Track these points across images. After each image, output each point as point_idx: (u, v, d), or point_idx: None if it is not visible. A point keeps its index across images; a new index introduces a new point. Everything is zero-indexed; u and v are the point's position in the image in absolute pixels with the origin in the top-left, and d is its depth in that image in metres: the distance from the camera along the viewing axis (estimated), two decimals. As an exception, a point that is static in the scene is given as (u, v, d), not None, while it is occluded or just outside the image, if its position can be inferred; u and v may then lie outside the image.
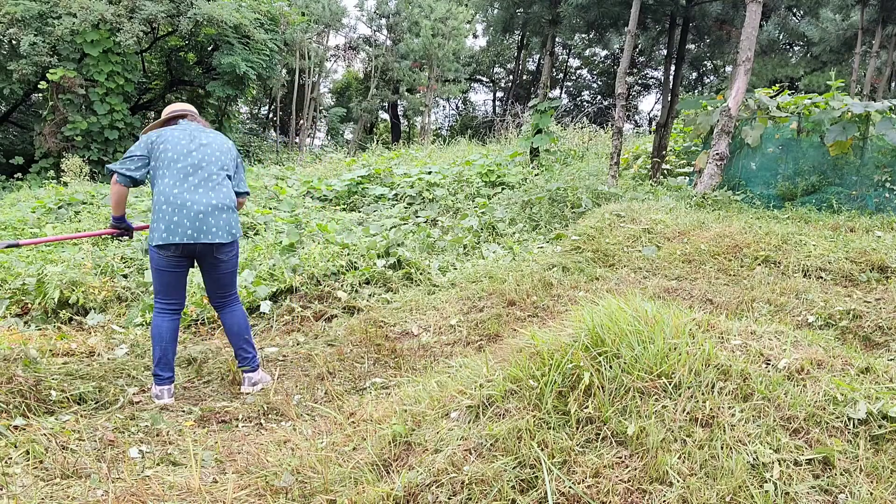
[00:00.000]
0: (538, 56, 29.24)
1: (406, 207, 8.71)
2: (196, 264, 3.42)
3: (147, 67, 19.60)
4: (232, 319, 3.53)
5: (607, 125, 17.97)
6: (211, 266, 3.40)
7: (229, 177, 3.45)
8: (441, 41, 24.67)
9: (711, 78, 25.25)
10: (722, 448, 1.98)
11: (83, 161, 14.51)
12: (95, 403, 3.14)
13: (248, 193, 3.62)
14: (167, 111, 3.59)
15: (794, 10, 17.47)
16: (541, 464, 1.99)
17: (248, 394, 3.42)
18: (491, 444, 2.10)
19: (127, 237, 3.76)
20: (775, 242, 5.49)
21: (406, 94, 27.36)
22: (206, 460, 2.53)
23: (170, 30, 18.19)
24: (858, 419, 2.06)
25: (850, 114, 7.45)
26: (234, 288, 3.57)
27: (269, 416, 3.11)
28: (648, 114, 32.23)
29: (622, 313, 2.44)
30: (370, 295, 4.98)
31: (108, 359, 3.82)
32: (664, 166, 10.18)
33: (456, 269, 5.66)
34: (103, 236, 5.67)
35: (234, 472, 2.42)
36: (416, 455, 2.18)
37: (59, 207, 8.55)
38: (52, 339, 4.05)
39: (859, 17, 13.20)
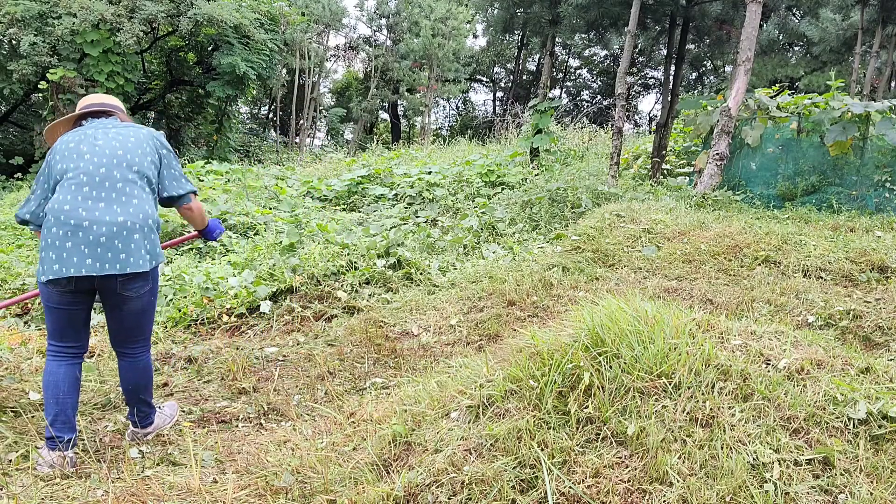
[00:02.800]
0: (538, 56, 29.23)
1: (406, 207, 8.71)
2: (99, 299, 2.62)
3: (147, 67, 19.60)
4: (130, 373, 2.71)
5: (607, 125, 17.97)
6: (115, 304, 2.59)
7: (149, 181, 2.65)
8: (441, 41, 24.66)
9: (711, 78, 25.25)
10: (722, 448, 1.98)
11: (83, 161, 14.49)
12: (96, 403, 3.14)
13: (193, 193, 2.81)
14: (80, 106, 2.80)
15: (794, 10, 17.46)
16: (541, 464, 1.99)
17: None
18: (491, 444, 2.10)
19: None
20: (775, 242, 5.49)
21: (406, 94, 27.36)
22: (206, 460, 2.53)
23: (170, 30, 18.18)
24: (858, 419, 2.06)
25: (850, 114, 7.45)
26: (146, 333, 2.73)
27: (269, 416, 3.11)
28: (648, 114, 32.24)
29: (622, 313, 2.44)
30: (370, 295, 4.98)
31: (109, 358, 3.82)
32: (664, 166, 10.18)
33: (456, 269, 5.66)
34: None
35: (234, 472, 2.42)
36: (416, 455, 2.18)
37: (59, 207, 8.54)
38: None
39: (859, 17, 13.19)
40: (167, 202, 2.76)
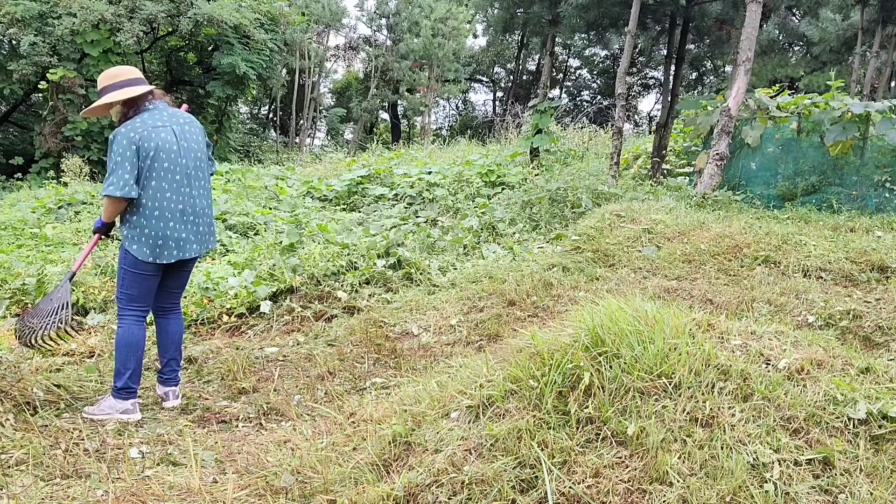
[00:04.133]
0: (538, 56, 29.24)
1: (406, 207, 8.71)
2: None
3: (147, 67, 19.59)
4: (177, 325, 3.31)
5: (607, 125, 17.96)
6: (188, 272, 3.30)
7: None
8: (441, 41, 24.67)
9: (711, 78, 25.25)
10: (722, 448, 1.98)
11: (83, 161, 14.49)
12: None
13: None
14: (114, 77, 2.99)
15: (794, 10, 17.46)
16: (541, 464, 1.99)
17: (162, 399, 3.20)
18: (491, 444, 2.10)
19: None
20: (775, 242, 5.49)
21: (406, 94, 27.36)
22: (206, 460, 2.53)
23: (170, 30, 18.19)
24: (858, 419, 2.06)
25: (850, 114, 7.45)
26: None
27: (269, 416, 3.11)
28: (648, 114, 32.22)
29: (622, 313, 2.44)
30: (370, 295, 4.98)
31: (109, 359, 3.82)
32: (664, 166, 10.18)
33: (456, 269, 5.66)
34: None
35: (234, 472, 2.42)
36: (416, 455, 2.18)
37: (59, 207, 8.55)
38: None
39: (859, 17, 13.20)
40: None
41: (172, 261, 3.05)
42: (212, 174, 3.31)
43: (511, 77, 32.48)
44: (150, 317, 3.36)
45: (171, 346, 3.26)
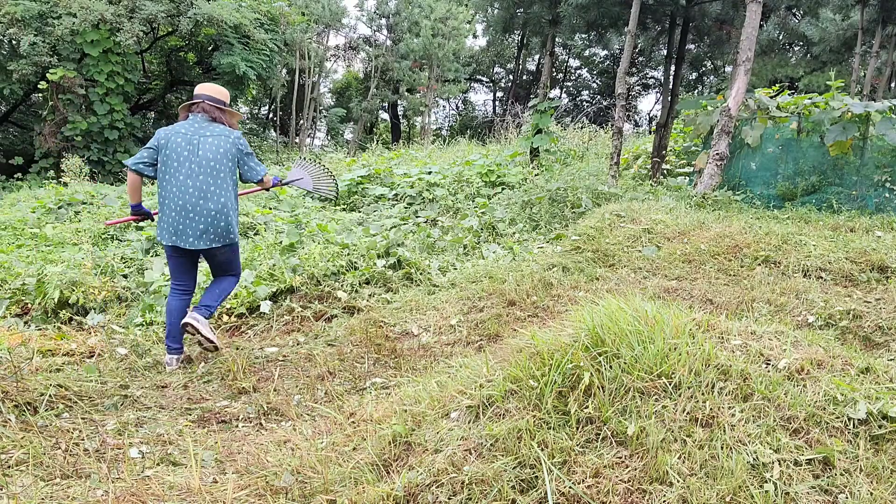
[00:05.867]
0: (538, 56, 29.25)
1: (406, 207, 8.71)
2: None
3: (147, 67, 19.60)
4: (219, 283, 3.92)
5: (607, 125, 17.96)
6: (210, 258, 3.83)
7: (233, 172, 3.73)
8: (441, 41, 24.67)
9: (711, 78, 25.25)
10: (722, 448, 1.98)
11: (83, 161, 14.51)
12: (94, 404, 3.14)
13: (265, 173, 3.86)
14: (200, 90, 3.83)
15: (794, 10, 17.46)
16: (541, 464, 1.99)
17: (185, 324, 3.65)
18: (491, 444, 2.10)
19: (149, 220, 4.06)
20: (775, 242, 5.49)
21: (406, 94, 27.36)
22: (206, 460, 2.53)
23: (170, 30, 18.19)
24: (858, 419, 2.06)
25: (850, 114, 7.45)
26: (235, 268, 3.95)
27: (269, 416, 3.11)
28: (648, 114, 32.24)
29: (622, 313, 2.44)
30: (370, 295, 4.98)
31: (109, 358, 3.82)
32: (664, 166, 10.18)
33: (456, 269, 5.66)
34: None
35: (234, 472, 2.42)
36: (416, 455, 2.18)
37: (59, 207, 8.55)
38: (51, 338, 4.05)
39: (859, 17, 13.19)
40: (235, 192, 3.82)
41: (169, 244, 3.62)
42: (257, 181, 3.85)
43: (511, 77, 32.49)
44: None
45: (207, 292, 3.85)
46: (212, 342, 3.72)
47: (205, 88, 3.77)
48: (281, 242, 6.04)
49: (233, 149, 3.70)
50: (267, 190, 4.16)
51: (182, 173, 3.56)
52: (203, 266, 4.58)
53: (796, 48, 22.66)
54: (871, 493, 1.85)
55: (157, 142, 3.61)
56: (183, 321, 3.65)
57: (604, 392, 2.21)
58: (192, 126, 3.65)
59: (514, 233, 6.85)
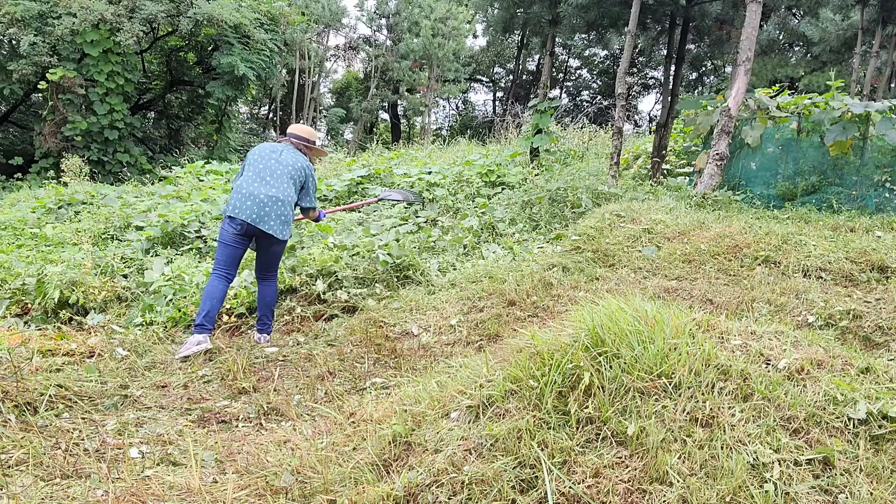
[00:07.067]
0: (538, 56, 29.25)
1: (406, 207, 8.71)
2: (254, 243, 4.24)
3: (147, 67, 19.59)
4: (265, 290, 4.32)
5: (607, 125, 17.96)
6: (264, 246, 4.24)
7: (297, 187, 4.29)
8: (441, 41, 24.67)
9: (711, 78, 25.25)
10: (722, 448, 1.98)
11: (83, 161, 14.51)
12: (94, 404, 3.14)
13: (313, 208, 4.48)
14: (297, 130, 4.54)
15: (794, 10, 17.46)
16: (541, 464, 1.99)
17: (256, 343, 4.18)
18: (491, 444, 2.10)
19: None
20: (775, 242, 5.49)
21: (406, 94, 27.37)
22: (206, 460, 2.53)
23: (170, 30, 18.19)
24: (858, 419, 2.06)
25: (850, 114, 7.45)
26: (276, 268, 4.36)
27: (269, 416, 3.11)
28: (648, 114, 32.24)
29: (622, 313, 2.44)
30: (370, 295, 4.98)
31: (108, 358, 3.82)
32: (664, 166, 10.18)
33: (456, 269, 5.66)
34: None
35: (234, 472, 2.42)
36: (416, 455, 2.18)
37: (59, 207, 8.55)
38: (51, 338, 4.05)
39: (859, 17, 13.18)
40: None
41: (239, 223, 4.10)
42: (305, 208, 4.44)
43: (511, 77, 32.49)
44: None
45: (259, 305, 4.33)
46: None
47: (295, 128, 4.47)
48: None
49: (304, 171, 4.30)
50: (314, 220, 4.66)
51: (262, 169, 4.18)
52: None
53: (796, 48, 22.67)
54: (871, 493, 1.85)
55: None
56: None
57: (604, 392, 2.21)
58: (280, 144, 4.38)
59: (514, 233, 6.85)
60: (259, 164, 4.20)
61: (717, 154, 7.94)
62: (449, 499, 1.95)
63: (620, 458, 2.02)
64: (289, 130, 4.49)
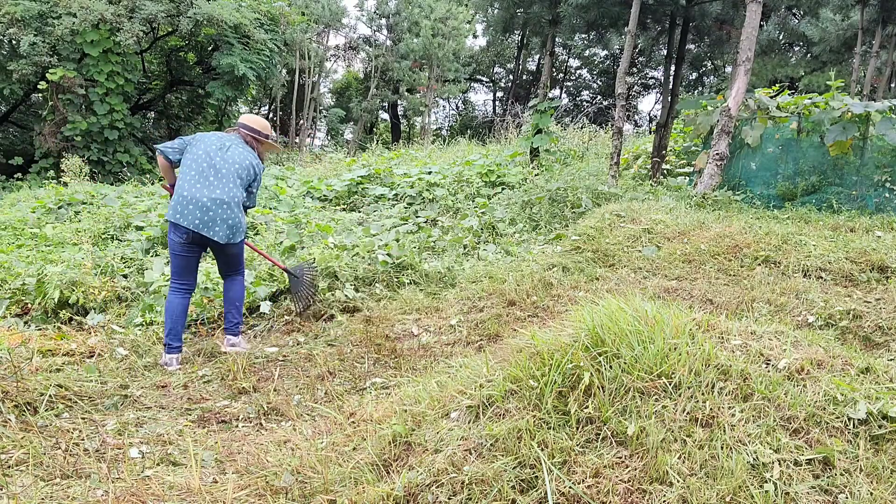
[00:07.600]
0: (538, 56, 29.26)
1: (406, 207, 8.71)
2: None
3: (147, 67, 19.59)
4: (229, 287, 4.11)
5: (607, 125, 17.96)
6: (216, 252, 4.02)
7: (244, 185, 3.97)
8: (441, 41, 24.67)
9: (711, 78, 25.25)
10: (722, 448, 1.98)
11: (83, 161, 14.51)
12: (94, 404, 3.14)
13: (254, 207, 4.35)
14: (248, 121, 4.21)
15: (794, 10, 17.46)
16: (541, 464, 1.99)
17: (225, 353, 3.90)
18: (491, 444, 2.10)
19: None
20: (775, 242, 5.49)
21: (406, 94, 27.37)
22: (206, 460, 2.53)
23: (170, 30, 18.19)
24: (858, 419, 2.06)
25: (850, 114, 7.45)
26: (239, 267, 4.14)
27: (269, 416, 3.11)
28: (648, 114, 32.23)
29: (622, 313, 2.44)
30: (370, 295, 4.98)
31: (109, 358, 3.82)
32: (664, 166, 10.18)
33: (455, 269, 5.66)
34: None
35: (234, 472, 2.42)
36: (416, 455, 2.18)
37: (59, 207, 8.55)
38: (51, 338, 4.05)
39: (859, 17, 13.18)
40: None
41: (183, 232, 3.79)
42: (247, 208, 4.10)
43: (511, 77, 32.49)
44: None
45: (225, 302, 4.11)
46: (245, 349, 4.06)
47: (247, 119, 4.15)
48: (281, 243, 6.04)
49: (252, 170, 3.98)
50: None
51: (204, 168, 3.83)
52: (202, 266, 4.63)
53: (796, 48, 22.67)
54: (871, 493, 1.85)
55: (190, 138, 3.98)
56: (224, 352, 3.92)
57: (604, 392, 2.21)
58: (228, 136, 4.04)
59: (514, 233, 6.85)
60: (203, 161, 3.80)
61: (717, 154, 7.94)
62: (449, 499, 1.95)
63: (620, 458, 2.02)
64: (240, 120, 4.14)
